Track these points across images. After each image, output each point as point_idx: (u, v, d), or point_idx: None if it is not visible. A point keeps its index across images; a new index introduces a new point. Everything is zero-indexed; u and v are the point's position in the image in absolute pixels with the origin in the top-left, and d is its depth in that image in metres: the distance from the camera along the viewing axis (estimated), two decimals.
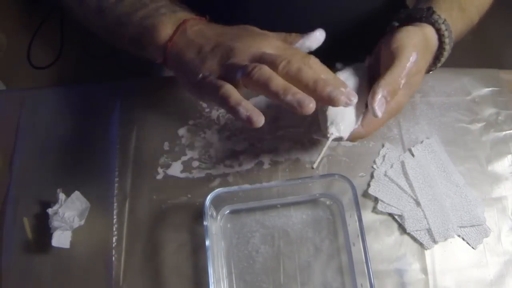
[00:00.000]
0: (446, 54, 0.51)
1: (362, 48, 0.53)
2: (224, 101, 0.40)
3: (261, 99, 0.60)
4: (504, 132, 0.60)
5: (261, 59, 0.42)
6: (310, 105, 0.38)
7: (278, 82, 0.39)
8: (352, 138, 0.48)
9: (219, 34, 0.45)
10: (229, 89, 0.40)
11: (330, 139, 0.46)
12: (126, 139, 0.59)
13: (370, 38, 0.53)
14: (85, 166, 0.57)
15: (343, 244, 0.53)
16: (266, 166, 0.57)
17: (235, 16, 0.51)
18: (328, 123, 0.46)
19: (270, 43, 0.44)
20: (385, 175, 0.56)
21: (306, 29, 0.48)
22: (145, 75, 0.81)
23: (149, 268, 0.53)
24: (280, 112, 0.60)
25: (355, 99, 0.40)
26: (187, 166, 0.57)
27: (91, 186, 0.56)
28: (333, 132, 0.46)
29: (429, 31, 0.49)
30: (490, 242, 0.55)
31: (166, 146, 0.58)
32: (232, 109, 0.39)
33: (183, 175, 0.57)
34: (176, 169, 0.57)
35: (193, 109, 0.60)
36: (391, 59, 0.46)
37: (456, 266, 0.53)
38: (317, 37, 0.47)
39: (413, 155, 0.58)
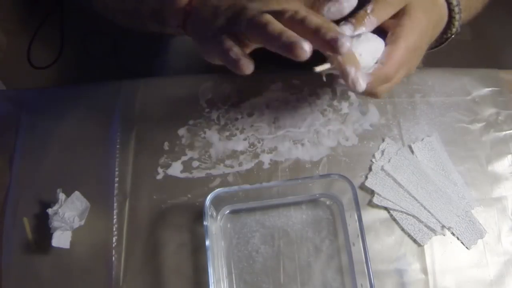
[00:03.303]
0: (454, 30, 0.50)
1: None
2: (226, 54, 0.40)
3: (261, 99, 0.60)
4: (504, 132, 0.60)
5: (271, 12, 0.40)
6: (305, 47, 0.36)
7: (275, 26, 0.38)
8: (374, 80, 0.44)
9: None
10: (232, 44, 0.40)
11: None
12: (126, 139, 0.59)
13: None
14: (85, 166, 0.57)
15: (343, 244, 0.53)
16: (266, 166, 0.57)
17: None
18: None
19: (288, 3, 0.42)
20: (382, 169, 0.56)
21: None
22: (145, 75, 0.81)
23: (149, 268, 0.53)
24: (280, 112, 0.60)
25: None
26: (187, 166, 0.57)
27: (91, 186, 0.56)
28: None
29: (437, 12, 0.48)
30: (490, 242, 0.55)
31: (166, 146, 0.58)
32: (232, 62, 0.39)
33: (183, 175, 0.57)
34: (176, 169, 0.57)
35: (193, 109, 0.60)
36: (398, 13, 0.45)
37: (456, 266, 0.53)
38: (350, 3, 0.42)
39: (412, 151, 0.58)
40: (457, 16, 0.49)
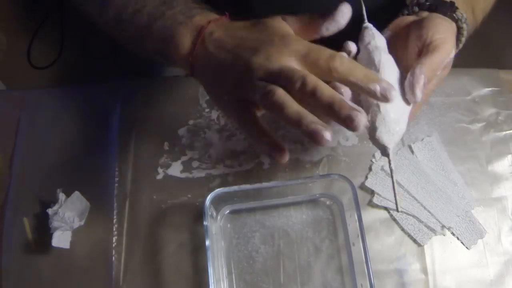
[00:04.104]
0: (461, 45, 0.51)
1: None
2: (246, 132, 0.42)
3: None
4: (504, 132, 0.60)
5: (278, 76, 0.39)
6: (325, 137, 0.35)
7: (292, 109, 0.37)
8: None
9: (237, 44, 0.42)
10: (247, 119, 0.41)
11: (392, 157, 0.43)
12: (126, 139, 0.59)
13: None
14: (85, 166, 0.57)
15: (343, 244, 0.54)
16: (266, 166, 0.57)
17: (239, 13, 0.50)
18: (383, 136, 0.42)
19: (291, 50, 0.40)
20: (382, 169, 0.56)
21: None
22: (145, 75, 0.81)
23: (149, 268, 0.53)
24: None
25: (394, 93, 0.38)
26: (187, 166, 0.57)
27: (91, 186, 0.56)
28: (390, 142, 0.42)
29: (454, 27, 0.48)
30: (490, 242, 0.55)
31: (166, 146, 0.58)
32: (255, 141, 0.41)
33: (183, 175, 0.57)
34: (176, 169, 0.57)
35: (193, 109, 0.60)
36: (428, 46, 0.44)
37: (456, 266, 0.54)
38: (344, 15, 0.41)
39: (412, 151, 0.58)
40: (464, 33, 0.50)
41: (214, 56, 0.43)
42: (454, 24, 0.48)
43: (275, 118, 0.39)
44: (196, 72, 0.45)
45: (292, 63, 0.39)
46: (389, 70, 0.44)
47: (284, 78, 0.38)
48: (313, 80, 0.37)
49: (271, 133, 0.40)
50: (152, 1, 0.48)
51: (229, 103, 0.42)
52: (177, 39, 0.45)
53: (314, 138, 0.36)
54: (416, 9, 0.51)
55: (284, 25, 0.43)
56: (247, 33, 0.43)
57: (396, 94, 0.40)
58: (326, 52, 0.39)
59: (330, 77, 0.39)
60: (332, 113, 0.36)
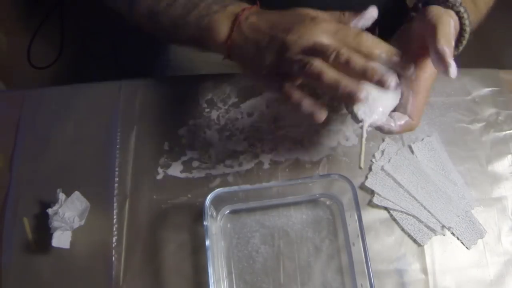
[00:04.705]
0: (464, 42, 0.51)
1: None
2: (287, 99, 0.44)
3: (261, 99, 0.60)
4: (504, 132, 0.60)
5: (313, 50, 0.43)
6: (361, 95, 0.41)
7: (329, 76, 0.42)
8: (402, 130, 0.49)
9: (271, 27, 0.46)
10: (290, 87, 0.45)
11: (365, 128, 0.47)
12: (126, 139, 0.59)
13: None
14: (85, 166, 0.57)
15: (343, 244, 0.53)
16: (266, 166, 0.57)
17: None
18: (359, 111, 0.47)
19: (322, 29, 0.44)
20: (382, 169, 0.56)
21: None
22: (145, 75, 0.81)
23: (149, 268, 0.53)
24: (280, 112, 0.60)
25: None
26: (187, 166, 0.57)
27: (91, 186, 0.56)
28: (365, 118, 0.46)
29: (453, 15, 0.49)
30: (490, 242, 0.55)
31: (166, 146, 0.58)
32: (295, 106, 0.44)
33: (183, 175, 0.57)
34: (176, 169, 0.57)
35: (193, 109, 0.60)
36: (431, 30, 0.45)
37: (456, 266, 0.53)
38: (371, 15, 0.47)
39: (412, 151, 0.58)
40: (465, 16, 0.49)
41: (250, 38, 0.47)
42: (452, 13, 0.49)
43: (314, 85, 0.45)
44: (234, 54, 0.49)
45: (323, 39, 0.44)
46: None
47: (319, 52, 0.43)
48: (346, 51, 0.43)
49: (309, 96, 0.44)
50: None
51: (268, 77, 0.47)
52: (214, 26, 0.49)
53: (352, 97, 0.42)
54: (420, 5, 0.51)
55: (313, 11, 0.47)
56: (280, 17, 0.47)
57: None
58: (353, 29, 0.45)
59: (357, 51, 0.43)
60: (367, 78, 0.43)
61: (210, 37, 0.49)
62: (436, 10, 0.47)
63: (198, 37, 0.50)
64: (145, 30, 0.57)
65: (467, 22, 0.49)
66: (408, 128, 0.49)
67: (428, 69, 0.48)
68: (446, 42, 0.44)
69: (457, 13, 0.49)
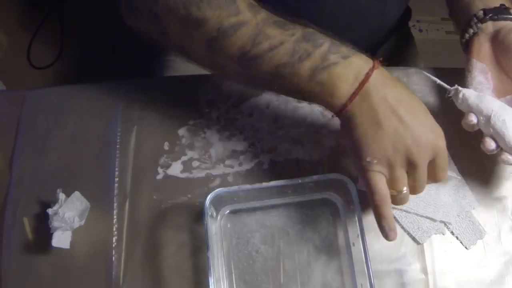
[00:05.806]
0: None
1: (369, 50, 0.52)
2: (375, 207, 0.45)
3: (261, 99, 0.60)
4: None
5: (410, 174, 0.46)
6: (391, 237, 0.46)
7: (384, 210, 0.46)
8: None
9: (400, 117, 0.43)
10: (383, 199, 0.45)
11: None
12: (126, 139, 0.59)
13: (378, 41, 0.52)
14: (85, 166, 0.57)
15: (343, 244, 0.53)
16: (266, 166, 0.57)
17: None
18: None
19: (440, 149, 0.46)
20: None
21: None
22: (145, 75, 0.81)
23: (149, 268, 0.53)
24: (280, 112, 0.60)
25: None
26: (187, 166, 0.57)
27: (91, 186, 0.56)
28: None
29: None
30: (490, 242, 0.55)
31: (166, 146, 0.58)
32: (378, 217, 0.46)
33: (183, 175, 0.57)
34: (176, 169, 0.57)
35: (193, 109, 0.60)
36: None
37: (456, 266, 0.53)
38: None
39: None
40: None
41: (373, 115, 0.43)
42: None
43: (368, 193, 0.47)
44: (342, 122, 0.46)
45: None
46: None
47: (412, 180, 0.46)
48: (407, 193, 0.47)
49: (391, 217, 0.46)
50: (288, 37, 0.44)
51: (363, 169, 0.45)
52: (336, 83, 0.43)
53: (387, 235, 0.46)
54: (479, 25, 0.51)
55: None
56: (407, 110, 0.44)
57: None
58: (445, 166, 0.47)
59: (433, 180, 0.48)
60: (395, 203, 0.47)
61: (327, 93, 0.44)
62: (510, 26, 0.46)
63: (309, 90, 0.45)
64: (222, 71, 0.50)
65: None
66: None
67: None
68: None
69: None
